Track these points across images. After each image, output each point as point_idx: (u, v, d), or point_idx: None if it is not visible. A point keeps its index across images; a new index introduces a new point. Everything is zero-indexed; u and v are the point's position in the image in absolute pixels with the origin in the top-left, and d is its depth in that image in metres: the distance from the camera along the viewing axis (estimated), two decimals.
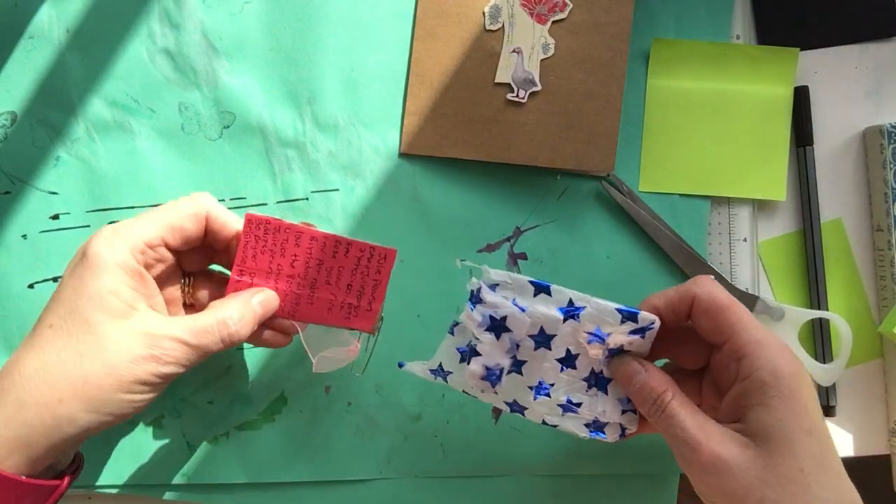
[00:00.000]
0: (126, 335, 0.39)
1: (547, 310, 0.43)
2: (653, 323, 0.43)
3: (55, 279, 0.51)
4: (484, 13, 0.52)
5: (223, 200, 0.52)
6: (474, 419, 0.53)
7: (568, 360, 0.45)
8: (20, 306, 0.51)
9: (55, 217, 0.52)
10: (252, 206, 0.52)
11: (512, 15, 0.51)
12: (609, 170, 0.52)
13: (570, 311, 0.43)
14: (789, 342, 0.53)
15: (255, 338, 0.46)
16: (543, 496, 0.53)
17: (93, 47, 0.51)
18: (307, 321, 0.46)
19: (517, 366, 0.44)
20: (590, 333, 0.43)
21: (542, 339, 0.44)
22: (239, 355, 0.52)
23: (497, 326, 0.43)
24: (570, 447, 0.53)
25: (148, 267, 0.42)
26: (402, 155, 0.52)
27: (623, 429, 0.45)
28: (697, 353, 0.44)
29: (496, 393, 0.45)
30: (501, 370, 0.44)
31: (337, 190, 0.52)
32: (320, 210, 0.52)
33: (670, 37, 0.53)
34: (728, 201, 0.54)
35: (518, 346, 0.44)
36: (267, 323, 0.46)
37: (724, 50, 0.53)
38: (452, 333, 0.45)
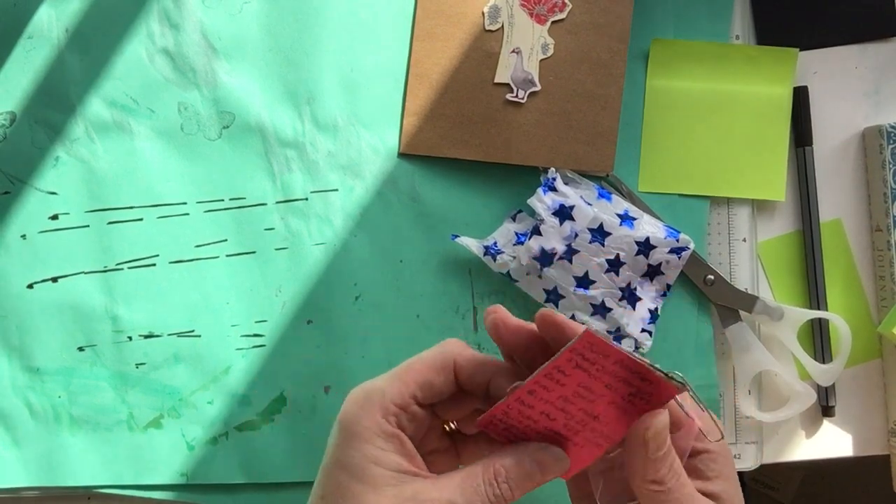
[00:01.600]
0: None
1: (606, 211, 0.50)
2: (688, 245, 0.50)
3: (54, 279, 0.51)
4: (483, 13, 0.52)
5: (222, 201, 0.52)
6: None
7: (614, 265, 0.50)
8: (19, 306, 0.51)
9: (54, 217, 0.52)
10: (251, 206, 0.52)
11: (511, 15, 0.51)
12: (608, 170, 0.52)
13: (626, 219, 0.50)
14: (788, 342, 0.53)
15: None
16: (543, 496, 0.53)
17: (92, 47, 0.51)
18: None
19: (569, 254, 0.50)
20: (638, 243, 0.50)
21: (598, 235, 0.50)
22: (238, 356, 0.52)
23: (564, 213, 0.49)
24: None
25: (403, 428, 0.39)
26: (401, 155, 0.52)
27: (637, 345, 0.51)
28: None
29: (540, 277, 0.50)
30: (554, 255, 0.49)
31: (336, 190, 0.52)
32: (319, 210, 0.52)
33: (669, 37, 0.53)
34: (727, 201, 0.54)
35: (577, 235, 0.49)
36: None
37: (723, 50, 0.53)
38: (514, 220, 0.52)
